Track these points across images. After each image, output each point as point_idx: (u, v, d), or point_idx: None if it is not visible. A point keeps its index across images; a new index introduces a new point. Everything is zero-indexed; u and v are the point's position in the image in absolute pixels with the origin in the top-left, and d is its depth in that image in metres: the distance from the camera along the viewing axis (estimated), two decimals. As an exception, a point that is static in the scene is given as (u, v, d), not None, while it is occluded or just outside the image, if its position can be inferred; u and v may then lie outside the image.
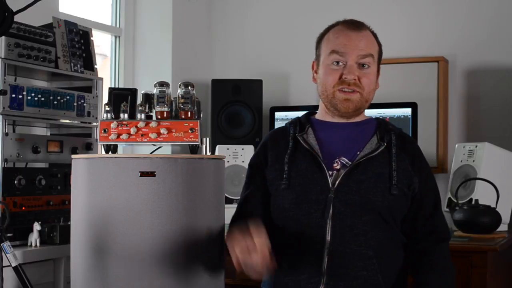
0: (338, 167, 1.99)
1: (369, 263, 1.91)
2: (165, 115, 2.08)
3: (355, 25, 2.03)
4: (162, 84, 2.10)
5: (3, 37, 2.47)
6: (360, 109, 2.03)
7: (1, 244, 2.03)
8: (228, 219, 2.08)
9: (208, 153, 2.14)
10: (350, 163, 1.98)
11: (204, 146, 2.12)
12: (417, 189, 2.00)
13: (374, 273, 1.91)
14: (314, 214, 1.95)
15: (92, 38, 3.04)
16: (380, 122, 2.09)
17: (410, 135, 3.28)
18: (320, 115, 2.11)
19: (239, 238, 1.78)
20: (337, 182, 1.95)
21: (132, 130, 2.06)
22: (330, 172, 1.98)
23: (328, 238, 1.92)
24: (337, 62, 1.99)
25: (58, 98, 2.75)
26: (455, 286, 2.02)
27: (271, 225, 1.99)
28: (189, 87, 2.09)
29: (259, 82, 3.75)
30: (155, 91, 2.09)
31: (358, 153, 1.99)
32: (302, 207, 1.97)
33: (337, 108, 2.02)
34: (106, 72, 3.81)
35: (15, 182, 2.56)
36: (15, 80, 2.69)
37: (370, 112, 2.17)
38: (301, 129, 2.07)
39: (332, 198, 1.94)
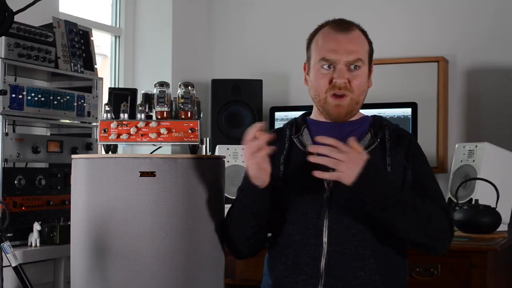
0: None
1: (367, 263, 1.91)
2: (165, 115, 2.08)
3: (343, 26, 2.01)
4: (162, 84, 2.09)
5: (3, 37, 2.47)
6: (351, 112, 2.02)
7: (1, 244, 2.02)
8: (228, 219, 2.07)
9: (208, 153, 2.13)
10: None
11: (204, 146, 2.12)
12: (411, 180, 1.97)
13: (372, 273, 1.90)
14: (310, 215, 1.94)
15: (92, 38, 3.04)
16: (375, 119, 2.08)
17: (410, 135, 3.28)
18: (314, 115, 2.11)
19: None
20: (332, 181, 1.95)
21: (132, 130, 2.06)
22: None
23: (325, 238, 1.92)
24: (328, 66, 1.98)
25: (58, 98, 2.75)
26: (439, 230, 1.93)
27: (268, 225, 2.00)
28: (189, 87, 2.09)
29: (259, 82, 3.75)
30: (155, 91, 2.09)
31: None
32: (298, 208, 1.96)
33: (328, 113, 2.02)
34: (106, 72, 3.80)
35: (15, 182, 2.56)
36: (15, 80, 2.70)
37: (370, 112, 2.17)
38: (297, 131, 2.07)
39: (328, 198, 1.94)
